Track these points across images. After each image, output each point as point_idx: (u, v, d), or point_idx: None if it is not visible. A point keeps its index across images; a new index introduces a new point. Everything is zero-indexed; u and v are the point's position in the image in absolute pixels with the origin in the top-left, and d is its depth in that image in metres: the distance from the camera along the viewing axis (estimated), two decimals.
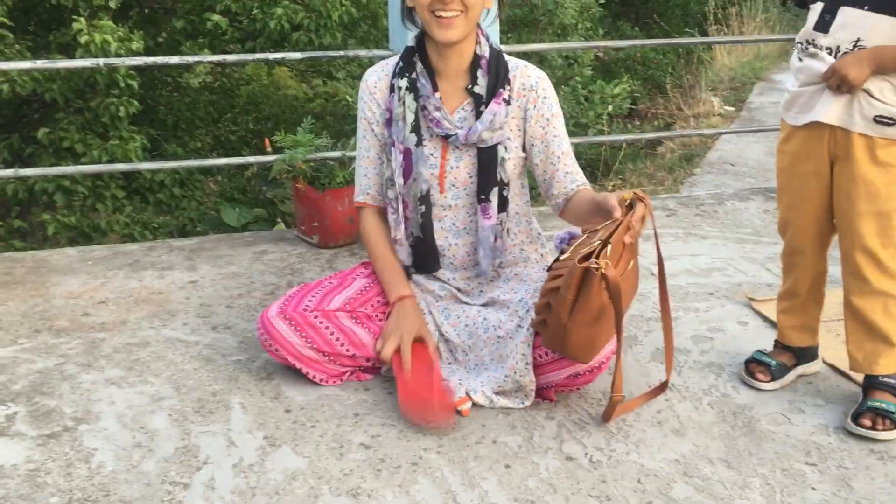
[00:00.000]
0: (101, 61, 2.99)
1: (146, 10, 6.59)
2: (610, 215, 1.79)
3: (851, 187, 1.89)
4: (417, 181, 2.07)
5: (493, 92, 2.04)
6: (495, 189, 2.06)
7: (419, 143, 2.06)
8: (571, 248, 1.79)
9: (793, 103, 1.96)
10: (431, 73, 2.06)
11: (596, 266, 1.68)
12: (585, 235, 1.81)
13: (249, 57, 3.44)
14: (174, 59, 3.07)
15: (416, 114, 2.06)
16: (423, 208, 2.09)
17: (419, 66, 2.07)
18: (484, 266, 2.12)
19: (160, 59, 3.07)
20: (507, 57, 2.11)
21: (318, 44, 5.63)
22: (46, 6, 5.71)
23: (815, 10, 1.88)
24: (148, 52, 5.57)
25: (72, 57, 5.20)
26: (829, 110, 1.87)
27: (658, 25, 12.00)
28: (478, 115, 2.04)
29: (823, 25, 1.85)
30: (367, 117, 2.15)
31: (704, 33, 11.73)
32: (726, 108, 9.04)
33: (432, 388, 1.94)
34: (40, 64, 3.18)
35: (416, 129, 2.06)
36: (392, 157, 2.09)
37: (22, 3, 5.77)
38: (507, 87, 2.05)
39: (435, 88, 2.06)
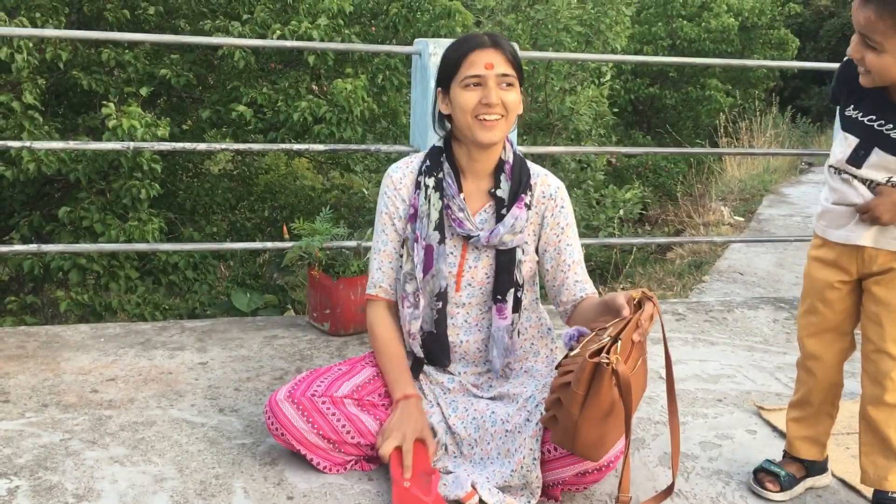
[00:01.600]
0: (132, 145, 3.09)
1: (174, 99, 6.82)
2: (618, 314, 1.81)
3: (883, 293, 1.90)
4: (436, 277, 2.10)
5: (514, 196, 2.10)
6: (511, 290, 2.10)
7: (442, 241, 2.11)
8: (581, 344, 1.81)
9: (823, 216, 1.99)
10: (457, 174, 2.13)
11: (607, 361, 1.70)
12: (594, 333, 1.83)
13: (274, 147, 3.55)
14: (202, 146, 3.17)
15: (441, 212, 2.11)
16: (439, 304, 2.12)
17: (446, 166, 2.13)
18: (496, 365, 2.13)
19: (188, 145, 3.18)
20: (529, 164, 2.18)
21: (339, 137, 5.79)
22: (77, 91, 5.92)
23: (849, 142, 1.89)
24: (173, 138, 5.73)
25: (99, 140, 5.36)
26: (862, 233, 1.90)
27: (670, 135, 12.29)
28: (498, 217, 2.09)
29: (856, 161, 1.87)
30: (388, 212, 2.20)
31: (715, 145, 12.01)
32: (736, 218, 9.16)
33: (430, 493, 1.90)
34: (71, 144, 3.29)
35: (439, 226, 2.11)
36: (413, 253, 2.13)
37: (54, 86, 5.99)
38: (529, 193, 2.12)
39: (460, 189, 2.12)
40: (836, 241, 1.96)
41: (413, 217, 2.15)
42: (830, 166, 1.94)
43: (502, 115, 2.03)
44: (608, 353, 1.71)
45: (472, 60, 2.01)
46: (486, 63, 2.00)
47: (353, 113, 5.73)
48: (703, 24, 12.45)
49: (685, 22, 12.57)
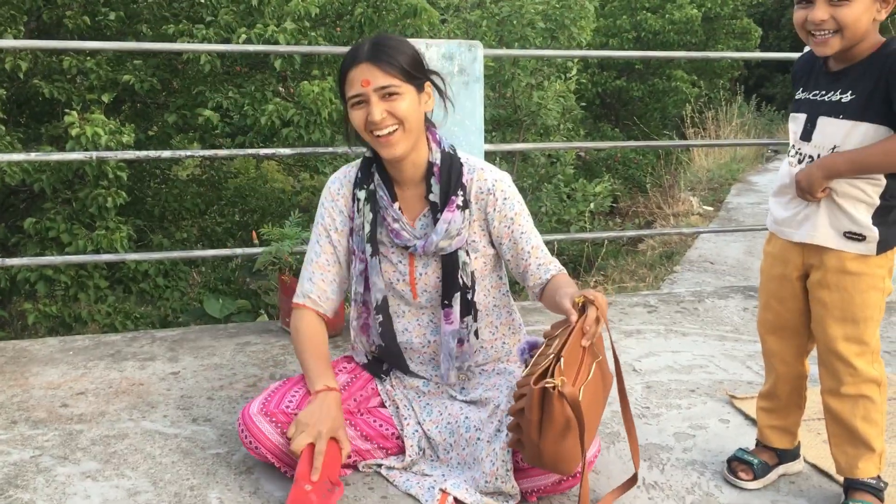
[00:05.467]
0: (94, 154, 3.05)
1: (139, 105, 6.72)
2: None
3: (825, 294, 1.92)
4: (372, 291, 2.08)
5: (446, 199, 2.04)
6: (457, 294, 2.06)
7: (374, 254, 2.07)
8: (532, 360, 1.81)
9: (771, 209, 2.03)
10: (389, 184, 2.07)
11: (552, 385, 1.69)
12: (545, 343, 1.83)
13: (241, 152, 3.50)
14: (166, 154, 3.13)
15: (373, 225, 2.07)
16: (380, 317, 2.10)
17: (377, 177, 2.07)
18: (443, 370, 2.11)
19: (153, 153, 3.14)
20: (463, 159, 2.08)
21: (307, 139, 5.75)
22: (40, 99, 5.83)
23: (800, 120, 1.94)
24: (139, 144, 5.65)
25: (62, 149, 5.28)
26: (801, 229, 1.93)
27: (638, 127, 12.37)
28: (436, 222, 2.04)
29: (807, 135, 1.92)
30: (324, 223, 2.14)
31: (682, 135, 12.11)
32: (705, 207, 9.25)
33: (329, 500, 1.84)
34: (34, 156, 3.24)
35: (371, 239, 2.07)
36: (353, 266, 2.11)
37: (15, 96, 5.89)
38: (461, 193, 2.04)
39: (394, 198, 2.06)
40: (779, 237, 2.00)
41: (353, 230, 2.12)
42: (790, 147, 1.99)
43: (397, 126, 1.94)
44: (553, 375, 1.71)
45: (350, 79, 1.95)
46: (362, 80, 1.91)
47: (321, 115, 5.69)
48: (667, 15, 12.54)
49: (649, 14, 12.66)
